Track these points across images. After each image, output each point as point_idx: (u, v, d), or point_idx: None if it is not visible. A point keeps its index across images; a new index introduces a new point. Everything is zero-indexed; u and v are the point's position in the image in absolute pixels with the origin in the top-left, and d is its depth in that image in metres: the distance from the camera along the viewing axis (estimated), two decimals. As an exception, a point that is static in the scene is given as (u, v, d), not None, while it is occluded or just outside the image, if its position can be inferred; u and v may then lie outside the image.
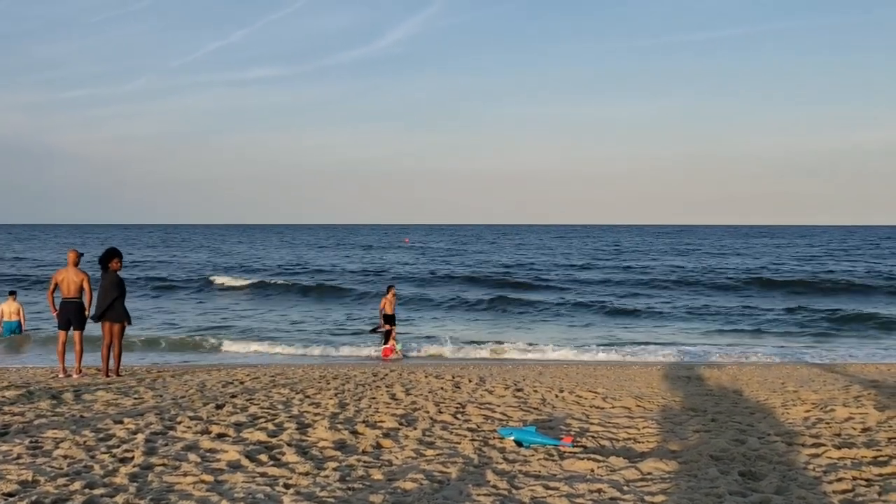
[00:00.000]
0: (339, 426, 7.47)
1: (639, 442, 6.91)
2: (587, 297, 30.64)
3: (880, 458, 6.12)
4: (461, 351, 17.69)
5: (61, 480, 5.43)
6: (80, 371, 11.54)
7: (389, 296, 18.27)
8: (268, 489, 5.31)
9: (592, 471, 5.81)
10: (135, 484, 5.39)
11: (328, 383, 10.72)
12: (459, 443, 6.79)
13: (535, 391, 10.04)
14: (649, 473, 5.72)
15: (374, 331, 18.92)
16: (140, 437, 6.85)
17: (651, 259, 55.56)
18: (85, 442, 6.67)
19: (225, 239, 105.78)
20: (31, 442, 6.63)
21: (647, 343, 19.04)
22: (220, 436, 7.05)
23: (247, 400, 9.11)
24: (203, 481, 5.51)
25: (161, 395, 9.43)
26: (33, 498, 5.06)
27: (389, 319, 18.04)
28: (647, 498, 5.13)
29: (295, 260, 56.03)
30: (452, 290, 33.48)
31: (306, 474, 5.69)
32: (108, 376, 11.33)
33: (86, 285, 11.47)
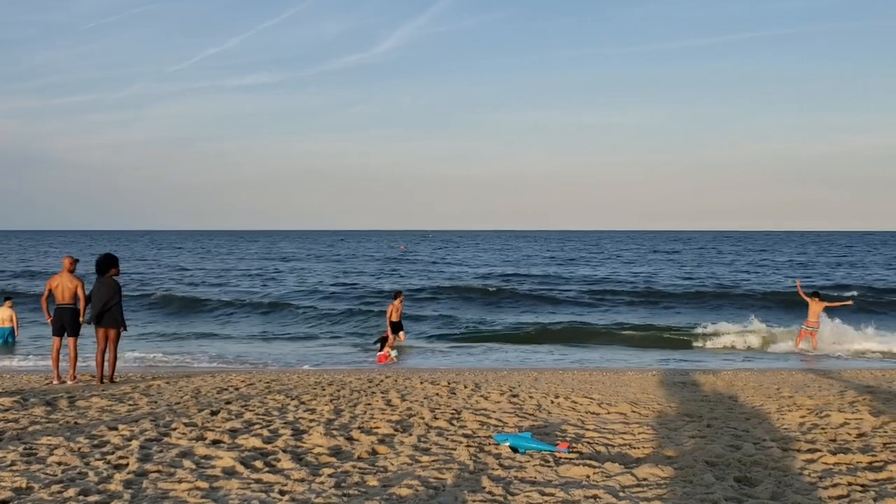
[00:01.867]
0: (335, 432, 7.46)
1: (634, 448, 6.91)
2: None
3: (875, 464, 6.13)
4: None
5: (55, 487, 5.41)
6: (75, 377, 11.52)
7: (397, 303, 17.83)
8: (263, 496, 5.29)
9: (588, 477, 5.81)
10: (129, 491, 5.38)
11: (323, 389, 10.70)
12: (455, 449, 6.78)
13: (531, 397, 10.04)
14: (645, 479, 5.71)
15: (378, 341, 18.20)
16: (135, 443, 6.83)
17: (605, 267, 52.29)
18: (79, 448, 6.65)
19: (191, 246, 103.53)
20: (25, 449, 6.61)
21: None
22: (215, 442, 7.04)
23: (242, 406, 9.09)
24: (198, 488, 5.49)
25: (156, 402, 9.41)
26: (27, 505, 5.04)
27: (396, 327, 17.64)
28: (643, 504, 5.13)
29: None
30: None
31: (301, 481, 5.68)
32: (102, 382, 11.30)
33: (80, 292, 11.46)
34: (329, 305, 28.38)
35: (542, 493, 5.36)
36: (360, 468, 6.09)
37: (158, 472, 5.92)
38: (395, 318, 17.74)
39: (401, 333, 18.14)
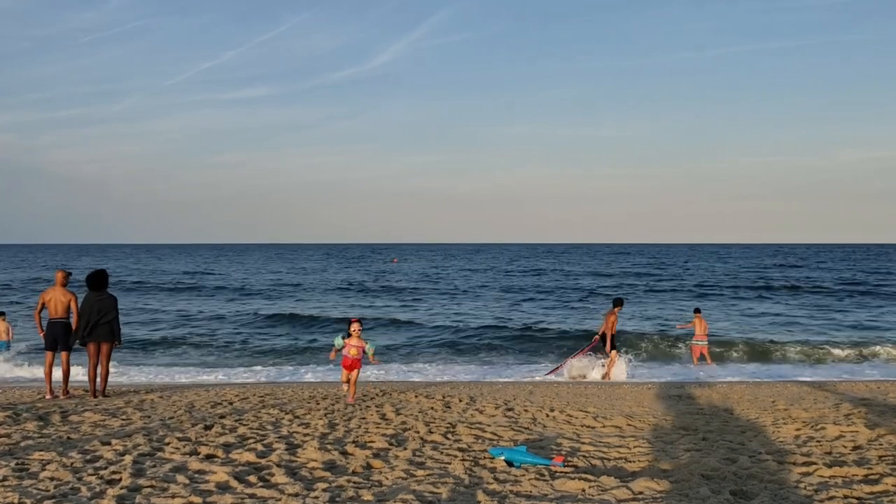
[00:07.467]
0: (329, 447, 7.43)
1: (630, 461, 6.89)
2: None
3: (871, 477, 6.13)
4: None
5: (48, 503, 5.37)
6: (67, 392, 11.45)
7: (617, 310, 15.82)
8: (257, 511, 5.26)
9: (583, 490, 5.79)
10: (122, 506, 5.34)
11: (318, 403, 10.66)
12: (450, 463, 6.75)
13: (526, 410, 10.02)
14: (640, 493, 5.70)
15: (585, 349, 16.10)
16: (128, 458, 6.78)
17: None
18: (72, 463, 6.60)
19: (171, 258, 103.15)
20: (17, 464, 6.56)
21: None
22: (209, 457, 7.00)
23: (236, 420, 9.04)
24: (191, 503, 5.46)
25: (149, 416, 9.36)
26: (18, 521, 4.99)
27: (610, 341, 15.66)
28: (639, 518, 5.10)
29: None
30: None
31: (296, 495, 5.65)
32: (95, 397, 11.24)
33: (73, 306, 11.42)
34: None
35: (538, 508, 5.33)
36: (354, 482, 6.06)
37: (151, 487, 5.88)
38: (609, 331, 15.56)
39: (613, 352, 15.73)
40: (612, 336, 15.68)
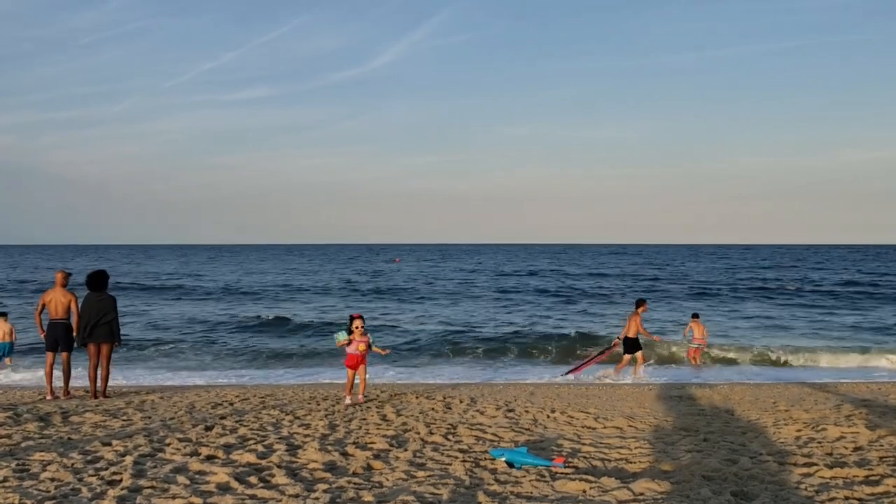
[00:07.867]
0: (330, 448, 7.42)
1: (631, 462, 6.88)
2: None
3: (872, 478, 6.12)
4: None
5: (48, 504, 5.37)
6: (68, 392, 11.45)
7: (640, 311, 15.18)
8: (257, 512, 5.25)
9: (584, 491, 5.78)
10: (122, 507, 5.33)
11: (318, 404, 10.65)
12: (450, 464, 6.75)
13: (527, 411, 10.01)
14: (641, 494, 5.69)
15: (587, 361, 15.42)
16: (128, 459, 6.79)
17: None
18: (73, 464, 6.61)
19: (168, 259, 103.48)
20: (17, 464, 6.56)
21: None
22: (210, 458, 7.00)
23: (236, 421, 9.04)
24: (192, 504, 5.46)
25: (150, 417, 9.36)
26: (19, 522, 4.99)
27: (632, 345, 14.98)
28: (640, 519, 5.10)
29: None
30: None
31: (296, 496, 5.65)
32: (96, 398, 11.24)
33: (73, 306, 11.42)
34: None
35: (539, 509, 5.32)
36: (355, 483, 6.06)
37: (152, 487, 5.88)
38: (632, 334, 14.92)
39: (639, 354, 15.14)
40: (635, 339, 15.21)
